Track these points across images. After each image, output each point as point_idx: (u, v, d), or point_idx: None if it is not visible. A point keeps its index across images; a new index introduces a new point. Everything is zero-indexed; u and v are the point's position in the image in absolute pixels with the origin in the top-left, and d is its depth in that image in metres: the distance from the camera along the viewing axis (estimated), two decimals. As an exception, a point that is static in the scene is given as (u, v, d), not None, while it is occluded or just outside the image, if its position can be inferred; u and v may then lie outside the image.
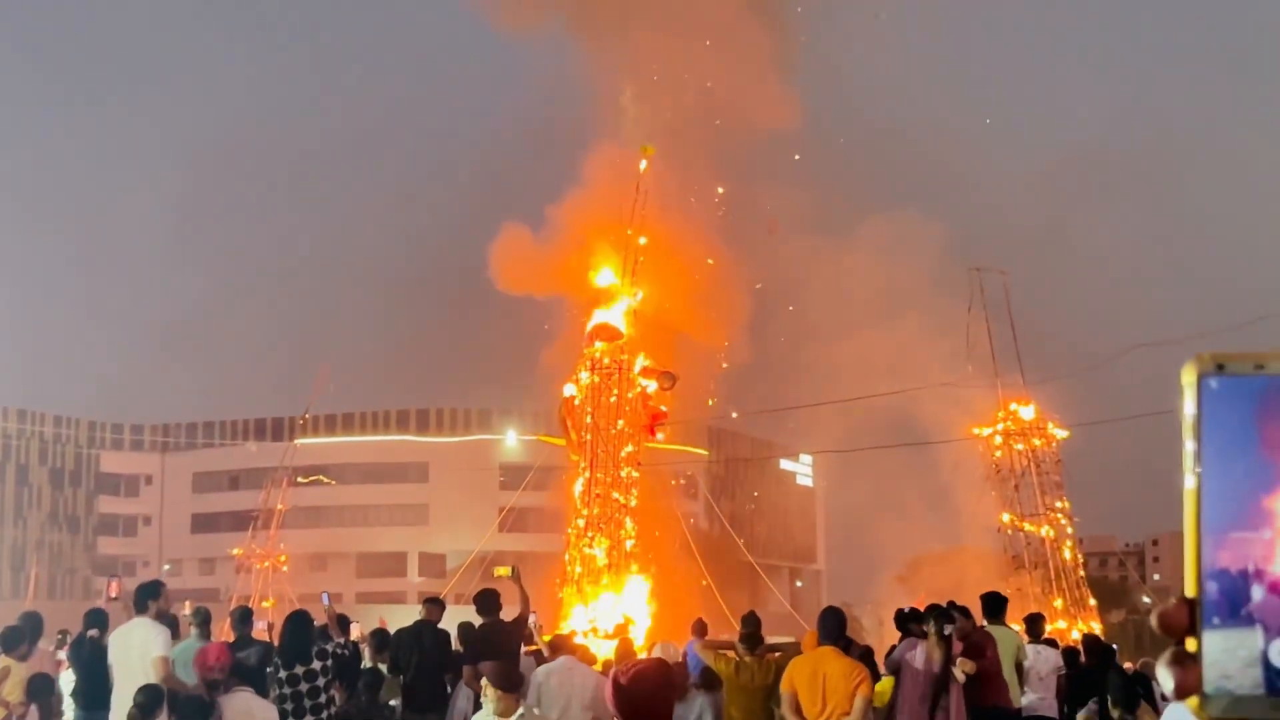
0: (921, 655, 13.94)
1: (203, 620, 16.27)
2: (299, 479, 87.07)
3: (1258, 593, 0.91)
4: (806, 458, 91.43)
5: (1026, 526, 46.89)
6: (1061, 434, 46.79)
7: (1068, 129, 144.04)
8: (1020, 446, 47.46)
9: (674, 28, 44.59)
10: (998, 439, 48.05)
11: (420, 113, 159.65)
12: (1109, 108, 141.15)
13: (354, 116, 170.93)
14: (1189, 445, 0.91)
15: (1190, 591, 0.93)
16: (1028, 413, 47.58)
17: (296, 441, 79.71)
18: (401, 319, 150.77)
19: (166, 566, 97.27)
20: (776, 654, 14.93)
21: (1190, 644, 0.93)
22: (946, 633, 14.07)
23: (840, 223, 52.96)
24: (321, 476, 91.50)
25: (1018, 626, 18.17)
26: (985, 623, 15.88)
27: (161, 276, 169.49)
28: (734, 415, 59.24)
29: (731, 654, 14.99)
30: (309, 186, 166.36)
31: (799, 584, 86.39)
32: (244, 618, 18.24)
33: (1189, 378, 0.93)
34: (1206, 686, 0.91)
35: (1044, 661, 17.73)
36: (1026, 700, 16.61)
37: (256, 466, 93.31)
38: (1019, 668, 15.71)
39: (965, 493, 50.81)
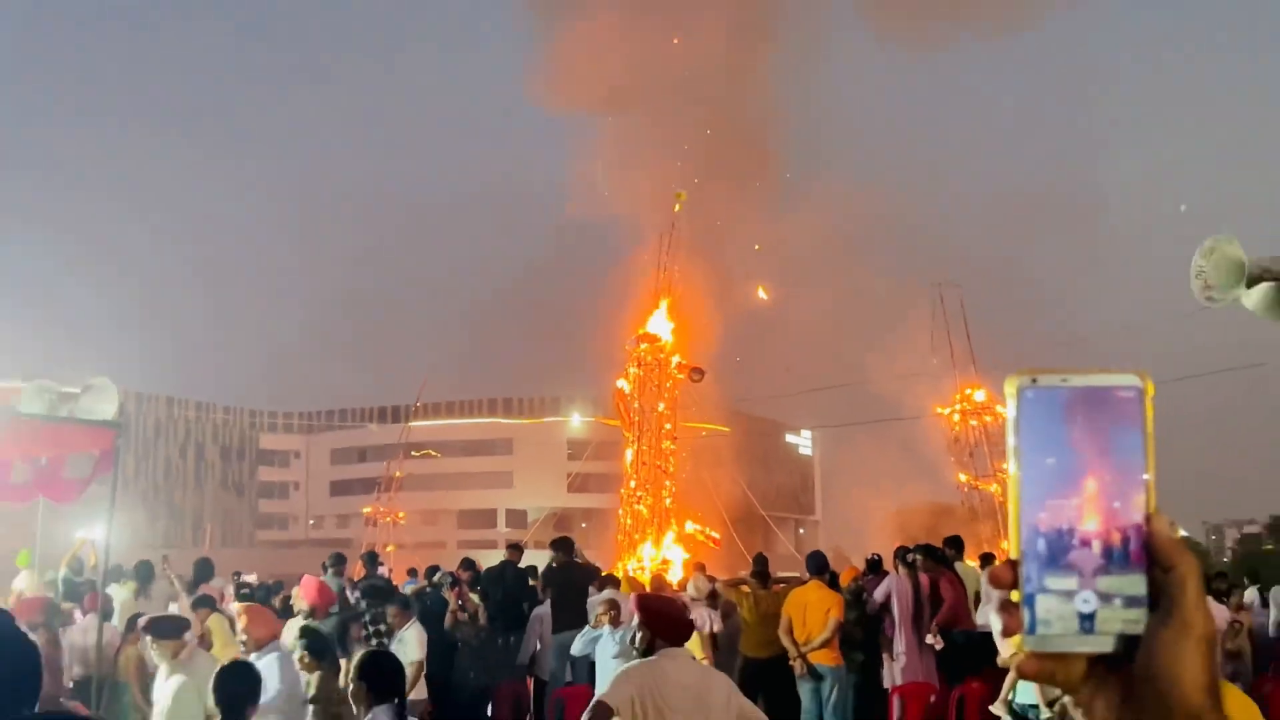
0: (902, 590, 13.84)
1: (336, 562, 16.31)
2: (412, 453, 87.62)
3: (1072, 546, 0.92)
4: (806, 432, 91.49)
5: (981, 485, 46.97)
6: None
7: (1019, 173, 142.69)
8: (975, 422, 47.62)
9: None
10: (956, 416, 48.22)
11: (520, 178, 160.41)
12: (1054, 157, 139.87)
13: (470, 178, 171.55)
14: (1011, 440, 0.96)
15: (1014, 554, 0.94)
16: (980, 395, 47.69)
17: (410, 424, 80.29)
18: (491, 326, 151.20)
19: (311, 521, 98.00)
20: (781, 585, 14.91)
21: (1014, 595, 0.95)
22: (910, 562, 14.02)
23: (831, 250, 52.89)
24: (430, 450, 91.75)
25: (974, 564, 18.09)
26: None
27: (298, 292, 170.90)
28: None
29: (746, 589, 14.95)
30: (428, 226, 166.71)
31: (801, 531, 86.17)
32: (372, 560, 18.35)
33: (1010, 389, 0.97)
34: (1032, 628, 0.93)
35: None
36: (982, 620, 16.60)
37: (380, 443, 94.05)
38: (979, 596, 15.64)
39: (932, 458, 51.03)
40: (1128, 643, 0.93)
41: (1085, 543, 0.92)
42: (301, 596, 13.21)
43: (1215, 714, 0.93)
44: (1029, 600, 0.92)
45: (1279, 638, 15.79)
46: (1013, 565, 0.94)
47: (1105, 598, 0.92)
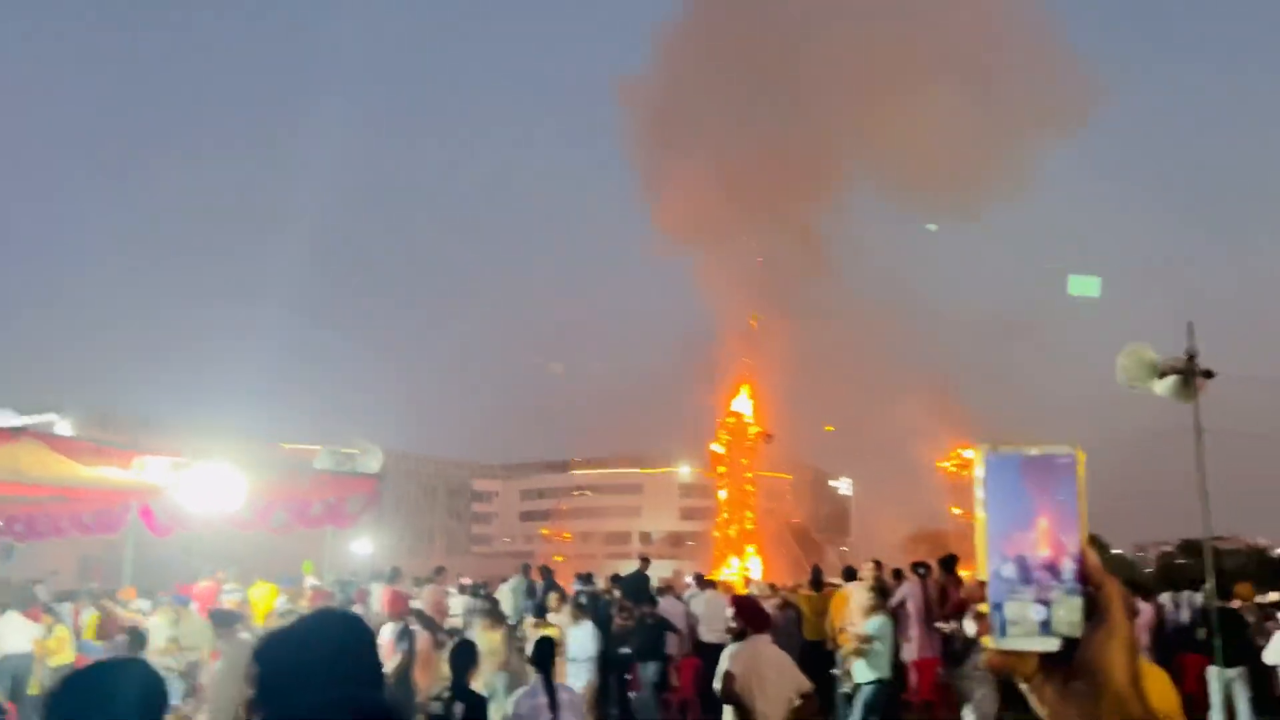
0: (915, 592, 13.22)
1: (524, 570, 16.30)
2: (573, 493, 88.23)
3: (1026, 571, 0.89)
4: (846, 479, 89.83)
5: (971, 517, 45.49)
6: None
7: (989, 297, 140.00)
8: (966, 472, 46.29)
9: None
10: (953, 467, 47.09)
11: (649, 303, 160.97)
12: (1012, 286, 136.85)
13: (612, 304, 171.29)
14: (979, 493, 0.91)
15: (983, 576, 0.91)
16: (969, 453, 46.41)
17: (572, 473, 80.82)
18: (628, 405, 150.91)
19: (506, 539, 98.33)
20: (828, 590, 14.55)
21: (983, 608, 0.91)
22: (921, 573, 13.46)
23: (861, 349, 52.24)
24: (586, 491, 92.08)
25: (966, 573, 17.35)
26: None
27: (501, 384, 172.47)
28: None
29: (805, 592, 14.61)
30: (586, 337, 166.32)
31: (843, 549, 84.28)
32: (547, 573, 18.09)
33: (978, 455, 0.92)
34: (996, 632, 0.88)
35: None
36: (972, 630, 15.83)
37: (552, 486, 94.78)
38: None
39: (938, 496, 49.99)
40: (1069, 643, 0.91)
41: (1037, 568, 0.90)
42: (383, 605, 12.92)
43: (1137, 694, 0.90)
44: (996, 611, 0.90)
45: (1190, 625, 15.18)
46: (982, 585, 0.92)
47: (1052, 609, 0.90)
